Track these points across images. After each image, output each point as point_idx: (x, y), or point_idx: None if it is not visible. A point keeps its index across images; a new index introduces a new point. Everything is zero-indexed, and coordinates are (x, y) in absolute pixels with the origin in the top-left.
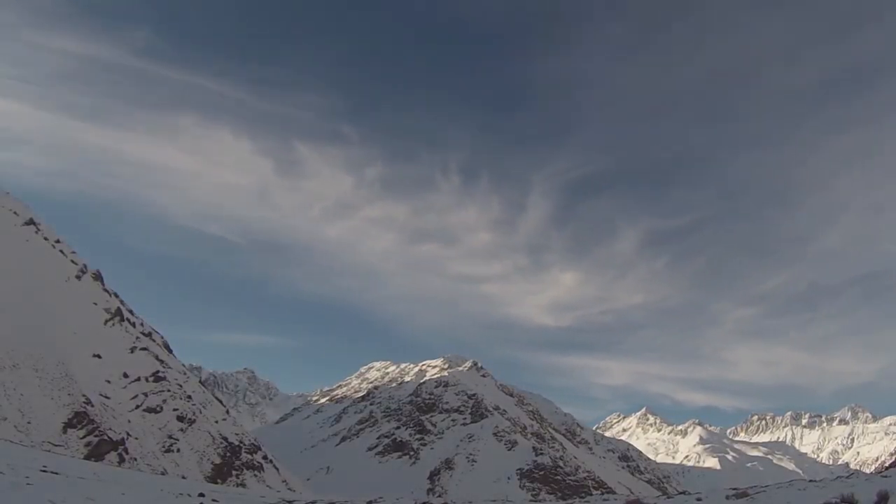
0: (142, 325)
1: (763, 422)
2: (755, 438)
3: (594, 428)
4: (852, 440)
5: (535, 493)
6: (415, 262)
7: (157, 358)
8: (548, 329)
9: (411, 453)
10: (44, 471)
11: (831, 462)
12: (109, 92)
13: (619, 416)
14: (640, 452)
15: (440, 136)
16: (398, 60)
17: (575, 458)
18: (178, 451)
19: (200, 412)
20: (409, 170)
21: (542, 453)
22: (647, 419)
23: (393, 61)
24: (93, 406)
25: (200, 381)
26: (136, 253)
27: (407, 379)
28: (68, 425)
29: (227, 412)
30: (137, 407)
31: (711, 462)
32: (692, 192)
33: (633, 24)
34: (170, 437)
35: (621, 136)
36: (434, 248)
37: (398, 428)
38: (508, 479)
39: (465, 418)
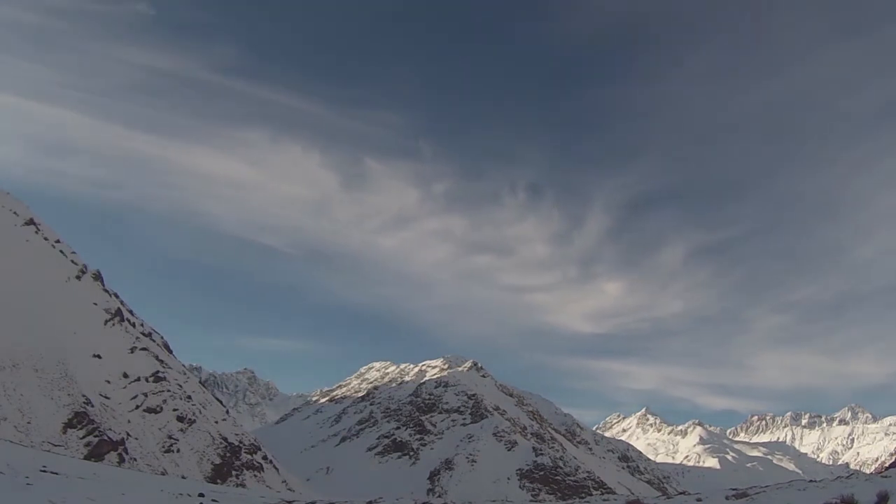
0: (142, 325)
1: (763, 422)
2: (755, 439)
3: (594, 428)
4: (852, 440)
5: (534, 493)
6: (467, 273)
7: (156, 358)
8: (584, 335)
9: (411, 453)
10: (44, 471)
11: (831, 462)
12: (180, 105)
13: (618, 416)
14: (640, 453)
15: (513, 154)
16: (480, 82)
17: (575, 458)
18: (178, 451)
19: (200, 412)
20: (477, 186)
21: (541, 454)
22: (647, 419)
23: (474, 83)
24: (93, 406)
25: (200, 382)
26: (180, 262)
27: (407, 379)
28: (68, 425)
29: (227, 412)
30: (137, 407)
31: (711, 462)
32: (740, 207)
33: (712, 53)
34: (170, 437)
35: (684, 156)
36: (488, 260)
37: (398, 428)
38: (508, 479)
39: (464, 418)
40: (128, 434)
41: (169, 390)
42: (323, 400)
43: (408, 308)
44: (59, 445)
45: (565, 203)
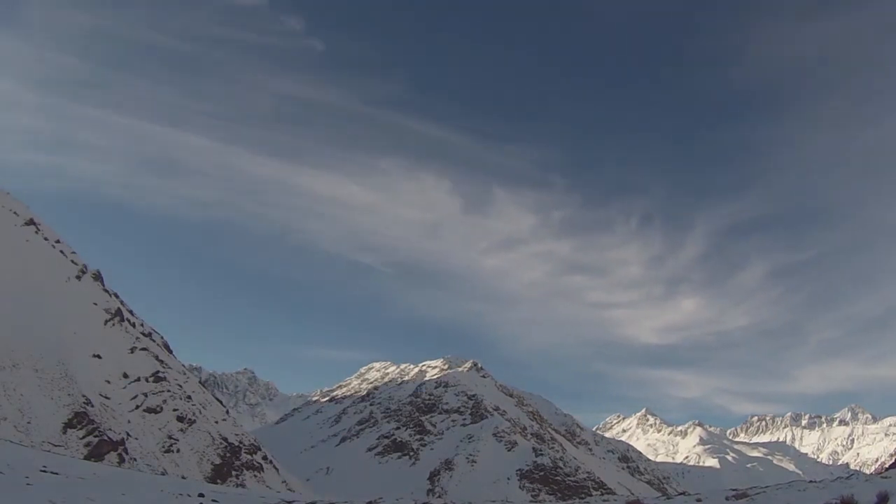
0: (142, 325)
1: (763, 423)
2: (755, 439)
3: (594, 429)
4: (852, 441)
5: (534, 493)
6: (557, 291)
7: (157, 358)
8: (649, 347)
9: (411, 454)
10: (44, 471)
11: (831, 463)
12: (323, 134)
13: (619, 416)
14: (640, 453)
15: (637, 186)
16: (617, 122)
17: (575, 458)
18: (178, 451)
19: (200, 412)
20: (595, 214)
21: (541, 454)
22: (647, 420)
23: (611, 122)
24: (93, 406)
25: (200, 382)
26: (268, 275)
27: (407, 379)
28: (68, 425)
29: (227, 412)
30: (137, 407)
31: (711, 463)
32: (823, 232)
33: (833, 101)
34: (170, 437)
35: (786, 188)
36: (582, 280)
37: (398, 428)
38: (508, 479)
39: (464, 419)
40: (128, 434)
41: (169, 390)
42: (323, 400)
43: (485, 321)
44: (59, 445)
45: (670, 230)
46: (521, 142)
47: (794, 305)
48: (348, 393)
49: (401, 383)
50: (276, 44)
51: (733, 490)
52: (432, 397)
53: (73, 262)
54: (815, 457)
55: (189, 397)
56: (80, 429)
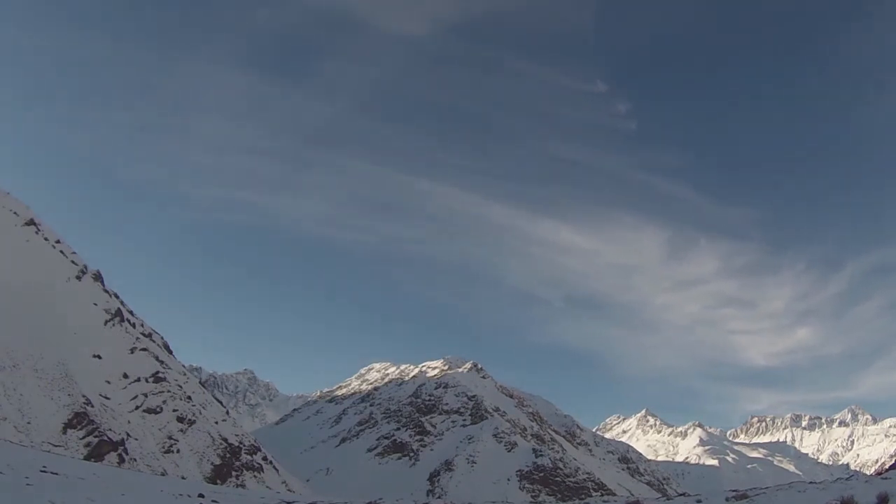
0: (142, 325)
1: (763, 423)
2: (755, 440)
3: (594, 429)
4: (852, 442)
5: (534, 494)
6: (705, 321)
7: (157, 359)
8: (750, 367)
9: (411, 454)
10: (44, 471)
11: (831, 464)
12: (569, 190)
13: (619, 417)
14: (640, 454)
15: (815, 238)
16: (821, 191)
17: (575, 459)
18: (178, 451)
19: (200, 413)
20: (772, 260)
21: (541, 455)
22: (647, 420)
23: (816, 192)
24: (93, 406)
25: (200, 382)
26: (441, 305)
27: (407, 380)
28: (68, 426)
29: (227, 413)
30: (137, 408)
31: (711, 463)
32: None
33: None
34: (170, 437)
35: None
36: (731, 312)
37: (398, 429)
38: (508, 480)
39: (464, 419)
40: (128, 434)
41: (169, 391)
42: (323, 401)
43: (618, 345)
44: (59, 446)
45: (825, 272)
46: (740, 204)
47: (889, 333)
48: (348, 393)
49: (401, 384)
50: (593, 120)
51: (733, 491)
52: (432, 398)
53: (73, 262)
54: (816, 458)
55: (189, 398)
56: (80, 429)
